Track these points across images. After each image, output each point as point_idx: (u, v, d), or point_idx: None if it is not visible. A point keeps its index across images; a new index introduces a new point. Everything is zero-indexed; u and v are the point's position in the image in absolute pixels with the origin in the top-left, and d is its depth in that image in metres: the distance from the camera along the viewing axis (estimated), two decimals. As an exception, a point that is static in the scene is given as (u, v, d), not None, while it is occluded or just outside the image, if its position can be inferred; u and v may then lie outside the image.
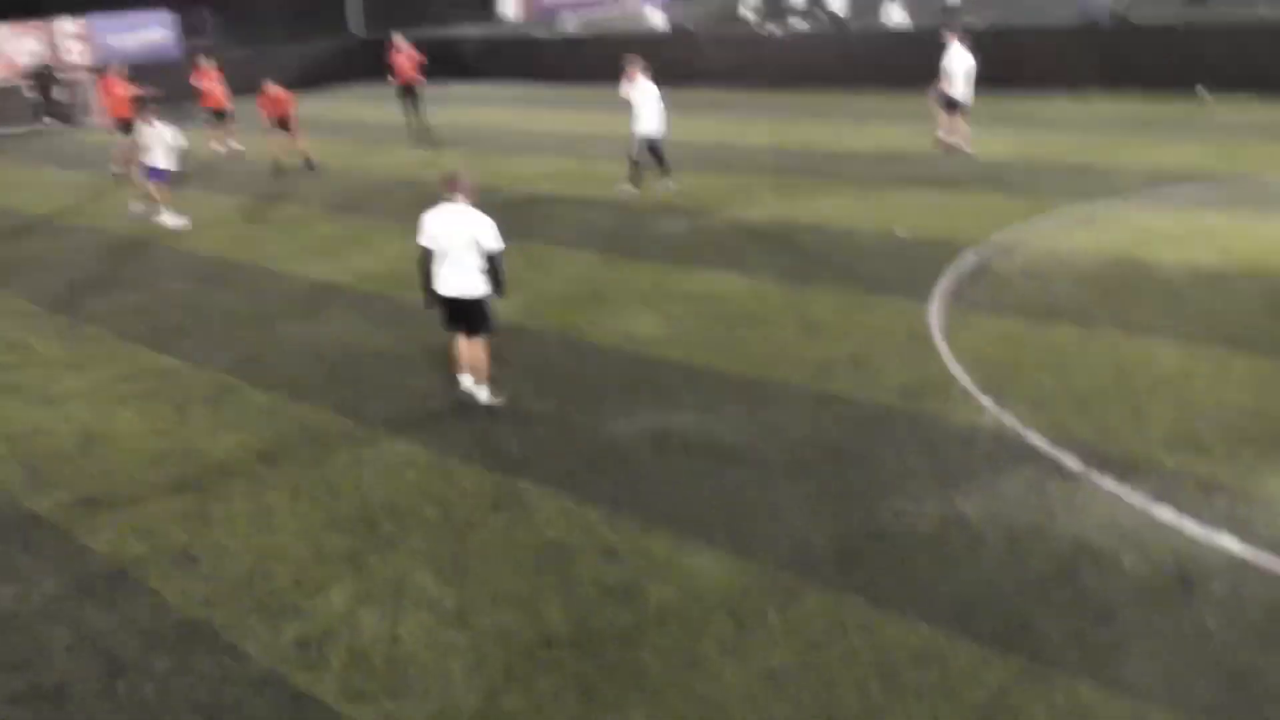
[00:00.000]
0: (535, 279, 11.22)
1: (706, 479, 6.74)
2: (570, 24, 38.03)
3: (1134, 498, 6.11)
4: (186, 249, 13.76)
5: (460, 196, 7.68)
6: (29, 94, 26.96)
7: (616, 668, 5.01)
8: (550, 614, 5.46)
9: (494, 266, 7.69)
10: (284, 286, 11.80)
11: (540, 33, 34.99)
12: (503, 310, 10.23)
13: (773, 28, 32.46)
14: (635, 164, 14.68)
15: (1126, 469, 6.42)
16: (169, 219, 14.90)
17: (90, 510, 6.95)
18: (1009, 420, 7.18)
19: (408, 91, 22.19)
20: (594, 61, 29.29)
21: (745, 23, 36.77)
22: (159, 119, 14.71)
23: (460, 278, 7.68)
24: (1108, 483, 6.29)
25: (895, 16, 27.46)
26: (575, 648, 5.18)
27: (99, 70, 21.34)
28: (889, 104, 21.78)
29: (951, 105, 15.95)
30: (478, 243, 7.58)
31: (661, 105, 14.40)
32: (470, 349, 7.96)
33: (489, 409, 7.96)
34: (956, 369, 8.08)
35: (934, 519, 6.06)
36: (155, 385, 9.06)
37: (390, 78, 22.39)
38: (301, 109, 19.38)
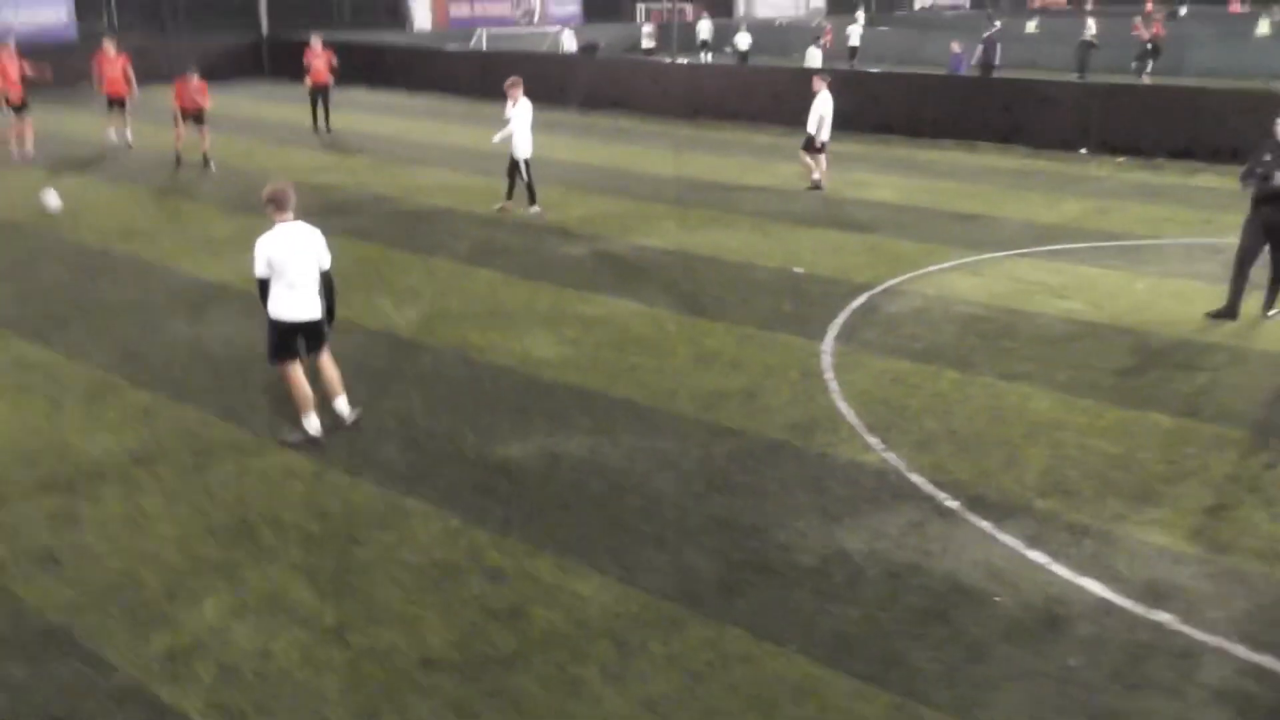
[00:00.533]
0: (434, 294, 11.12)
1: (596, 505, 6.76)
2: (482, 39, 37.91)
3: (1007, 539, 6.36)
4: (72, 238, 13.20)
5: (292, 214, 7.31)
6: None
7: (497, 691, 4.97)
8: (432, 635, 5.39)
9: (329, 284, 7.42)
10: (172, 283, 11.42)
11: (451, 45, 34.77)
12: (400, 324, 10.14)
13: (682, 58, 32.98)
14: (529, 185, 14.81)
15: (1001, 511, 6.69)
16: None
17: (-54, 508, 6.59)
18: (893, 459, 7.40)
19: (319, 92, 21.91)
20: (504, 78, 29.24)
21: (647, 51, 37.49)
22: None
23: (310, 300, 7.31)
24: (983, 524, 6.53)
25: (816, 59, 28.30)
26: (456, 670, 5.12)
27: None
28: (788, 141, 22.25)
29: (813, 146, 16.81)
30: (319, 261, 7.30)
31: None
32: (325, 368, 7.61)
33: (355, 421, 7.77)
34: (845, 407, 8.30)
35: (817, 553, 6.20)
36: (29, 378, 8.65)
37: (306, 79, 22.11)
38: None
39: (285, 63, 33.52)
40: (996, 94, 22.74)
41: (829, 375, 8.96)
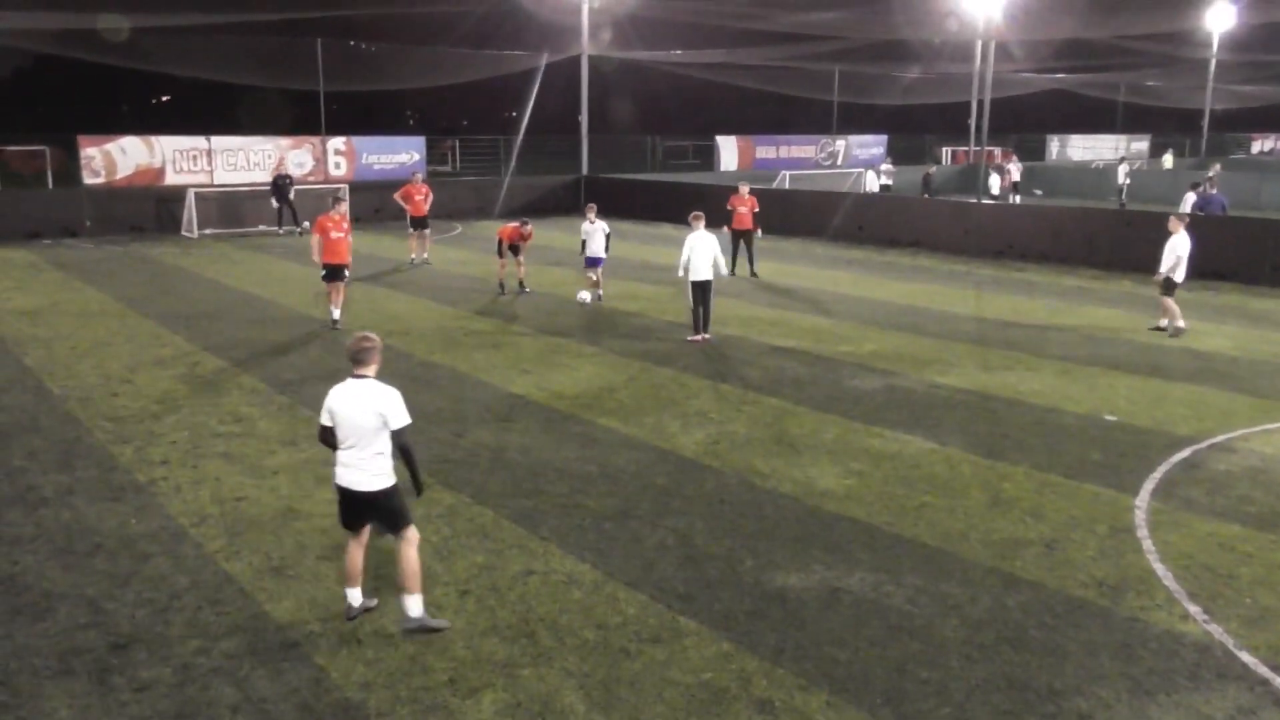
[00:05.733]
0: (722, 419, 11.26)
1: (875, 645, 6.43)
2: (785, 180, 39.06)
3: (1366, 743, 5.39)
4: (402, 349, 14.61)
5: (364, 369, 6.50)
6: (273, 201, 29.86)
7: (758, 829, 4.74)
8: (696, 759, 5.27)
9: (404, 449, 6.47)
10: (482, 394, 12.31)
11: (755, 185, 36.00)
12: (686, 445, 10.32)
13: (987, 199, 32.32)
14: (694, 310, 15.26)
15: (1358, 709, 5.69)
16: (588, 295, 18.12)
17: (277, 579, 7.31)
18: (1219, 633, 6.54)
19: (741, 236, 22.10)
20: (806, 216, 29.89)
21: (884, 188, 37.52)
22: (597, 216, 18.50)
23: (361, 470, 6.46)
24: (1334, 721, 5.59)
25: (1186, 206, 26.46)
26: (717, 799, 4.95)
27: (407, 180, 25.38)
28: (1099, 285, 21.07)
29: (1171, 287, 16.05)
30: (385, 422, 6.39)
31: (717, 252, 15.03)
32: (400, 558, 6.56)
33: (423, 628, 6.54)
34: (1162, 570, 7.48)
35: (1124, 729, 5.53)
36: (352, 471, 9.54)
37: (727, 226, 22.01)
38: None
39: (601, 199, 36.11)
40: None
41: (1143, 533, 8.14)
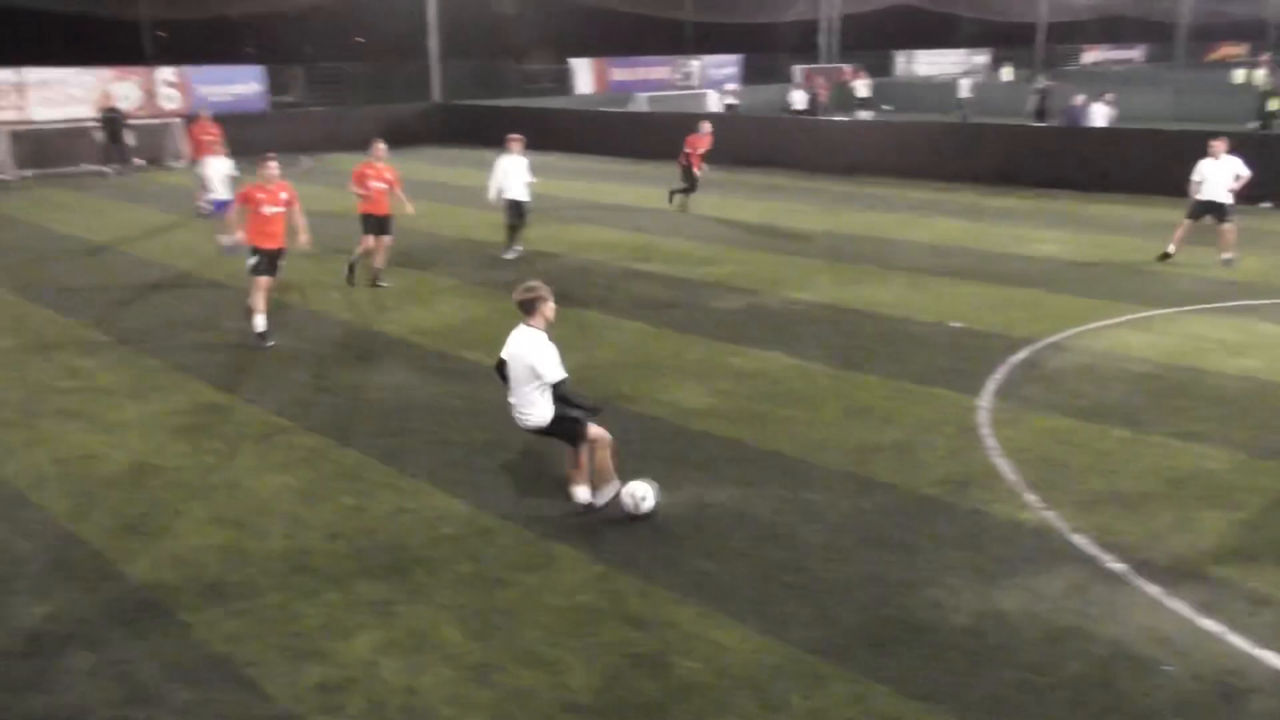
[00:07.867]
0: (586, 346, 11.32)
1: (742, 555, 6.68)
2: (643, 103, 38.87)
3: (1179, 606, 5.93)
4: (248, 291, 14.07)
5: (530, 319, 7.13)
6: (98, 137, 28.02)
7: (635, 738, 4.92)
8: (574, 679, 5.41)
9: (560, 399, 7.10)
10: (340, 334, 12.03)
11: (611, 108, 35.77)
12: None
13: (840, 116, 32.98)
14: (511, 227, 16.02)
15: (1173, 576, 6.25)
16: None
17: (131, 537, 7.06)
18: (1053, 519, 7.04)
19: (688, 176, 20.84)
20: (659, 138, 29.88)
21: (729, 107, 37.79)
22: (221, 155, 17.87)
23: (523, 410, 7.16)
24: (1152, 589, 6.12)
25: (1098, 118, 27.64)
26: (598, 715, 5.11)
27: (191, 116, 23.58)
28: (944, 196, 21.88)
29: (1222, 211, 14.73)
30: (536, 375, 7.00)
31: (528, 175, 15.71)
32: (590, 455, 7.25)
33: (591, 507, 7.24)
34: (1003, 464, 7.97)
35: (971, 613, 5.93)
36: (209, 420, 9.24)
37: (686, 162, 20.87)
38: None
39: (458, 128, 35.27)
40: (1169, 147, 21.71)
41: (986, 431, 8.64)
